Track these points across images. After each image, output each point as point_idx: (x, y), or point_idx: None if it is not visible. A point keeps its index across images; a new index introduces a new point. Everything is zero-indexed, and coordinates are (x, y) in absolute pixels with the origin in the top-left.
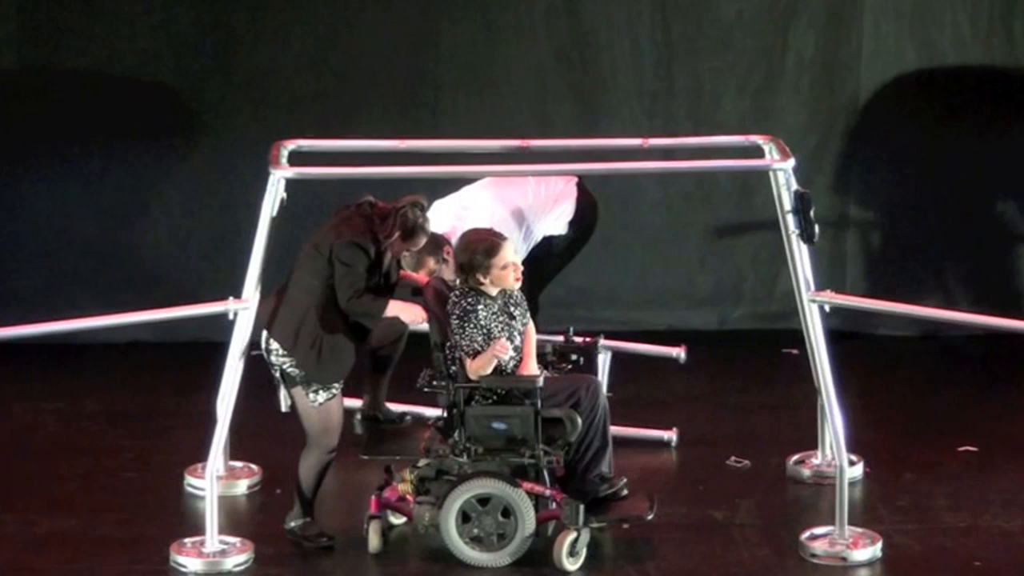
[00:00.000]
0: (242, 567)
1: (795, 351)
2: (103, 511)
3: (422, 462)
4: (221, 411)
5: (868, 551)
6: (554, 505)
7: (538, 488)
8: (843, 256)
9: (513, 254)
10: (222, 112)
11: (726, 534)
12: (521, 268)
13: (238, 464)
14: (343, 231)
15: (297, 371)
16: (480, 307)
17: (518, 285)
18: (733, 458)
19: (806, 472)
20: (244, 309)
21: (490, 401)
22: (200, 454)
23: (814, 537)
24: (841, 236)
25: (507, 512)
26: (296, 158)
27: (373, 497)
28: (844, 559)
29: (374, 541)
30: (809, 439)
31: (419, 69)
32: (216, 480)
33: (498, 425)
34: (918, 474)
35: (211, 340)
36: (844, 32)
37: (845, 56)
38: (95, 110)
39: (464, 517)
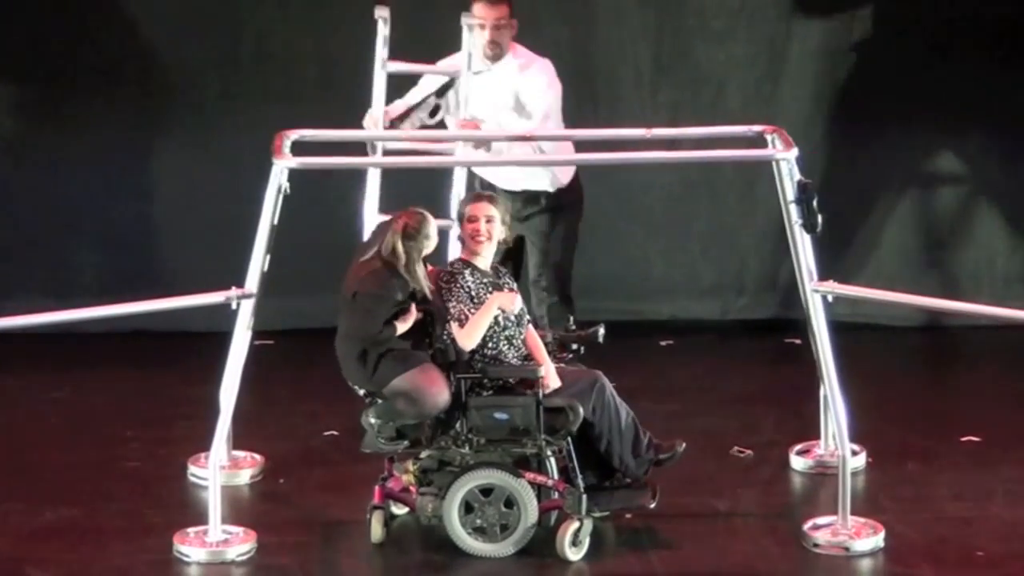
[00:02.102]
0: (245, 556)
1: (798, 341)
2: (106, 500)
3: (424, 453)
4: (224, 401)
5: (870, 541)
6: (556, 495)
7: (540, 478)
8: (846, 246)
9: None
10: (225, 101)
11: (728, 524)
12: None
13: (241, 454)
14: (365, 280)
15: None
16: (467, 272)
17: (485, 244)
18: (736, 448)
19: (809, 462)
20: (246, 298)
21: (491, 391)
22: (203, 444)
23: (816, 527)
24: (844, 226)
25: (510, 502)
26: (299, 148)
27: (376, 487)
28: (846, 549)
29: (377, 531)
30: (812, 429)
31: (420, 60)
32: (219, 469)
33: (500, 415)
34: (920, 464)
35: (214, 330)
36: (848, 21)
37: (849, 46)
38: (97, 100)
39: (467, 508)
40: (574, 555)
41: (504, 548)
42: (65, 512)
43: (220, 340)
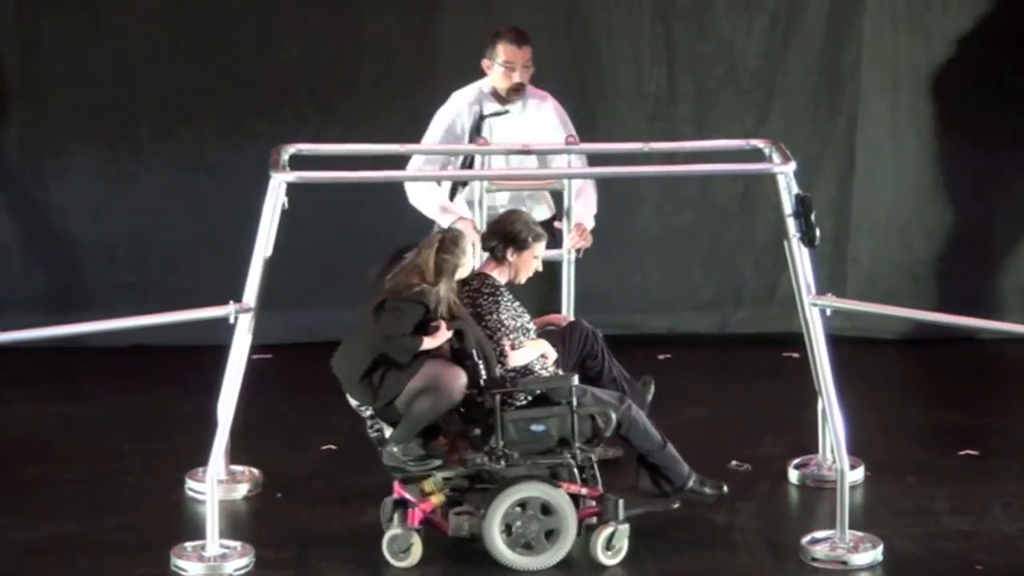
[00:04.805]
0: (242, 571)
1: (796, 354)
2: (104, 515)
3: (445, 473)
4: (222, 415)
5: (869, 555)
6: (591, 503)
7: (575, 488)
8: (844, 260)
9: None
10: (222, 115)
11: (727, 538)
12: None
13: (239, 468)
14: (398, 287)
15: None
16: (507, 293)
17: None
18: (734, 462)
19: (807, 476)
20: (245, 313)
21: (523, 404)
22: (201, 458)
23: (815, 541)
24: (842, 239)
25: (547, 510)
26: (297, 162)
27: (411, 510)
28: (845, 563)
29: (418, 552)
30: (810, 443)
31: (420, 72)
32: (217, 484)
33: (536, 427)
34: (919, 478)
35: (212, 344)
36: (845, 36)
37: (846, 60)
38: (92, 113)
39: (508, 528)
40: (608, 560)
41: (548, 559)
42: (62, 526)
43: (218, 354)
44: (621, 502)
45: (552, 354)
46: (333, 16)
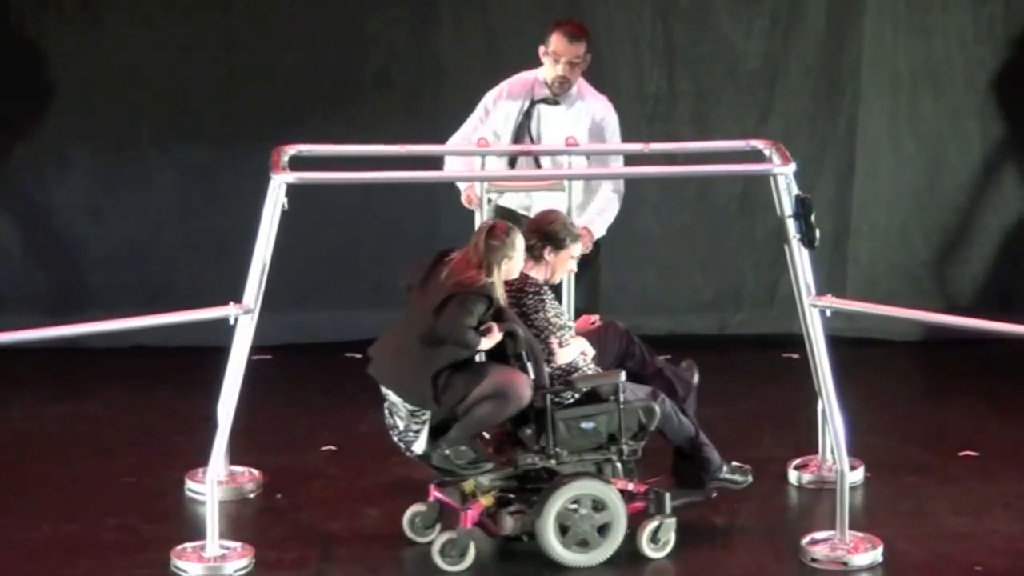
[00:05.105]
0: (242, 572)
1: (796, 356)
2: (104, 515)
3: (490, 476)
4: (222, 416)
5: (869, 556)
6: (637, 497)
7: (621, 483)
8: (844, 260)
9: None
10: (222, 116)
11: (727, 539)
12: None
13: (239, 469)
14: (461, 283)
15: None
16: (546, 287)
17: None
18: (734, 463)
19: (807, 477)
20: (245, 314)
21: (570, 403)
22: (201, 458)
23: (815, 542)
24: (842, 240)
25: (599, 506)
26: (297, 163)
27: (463, 514)
28: (845, 564)
29: (472, 554)
30: (810, 444)
31: (420, 73)
32: (217, 484)
33: (587, 425)
34: (919, 478)
35: (212, 345)
36: (845, 37)
37: (846, 61)
38: (94, 114)
39: (562, 526)
40: (654, 553)
41: (601, 555)
42: (63, 527)
43: (218, 355)
44: (667, 495)
45: (590, 350)
46: (334, 19)
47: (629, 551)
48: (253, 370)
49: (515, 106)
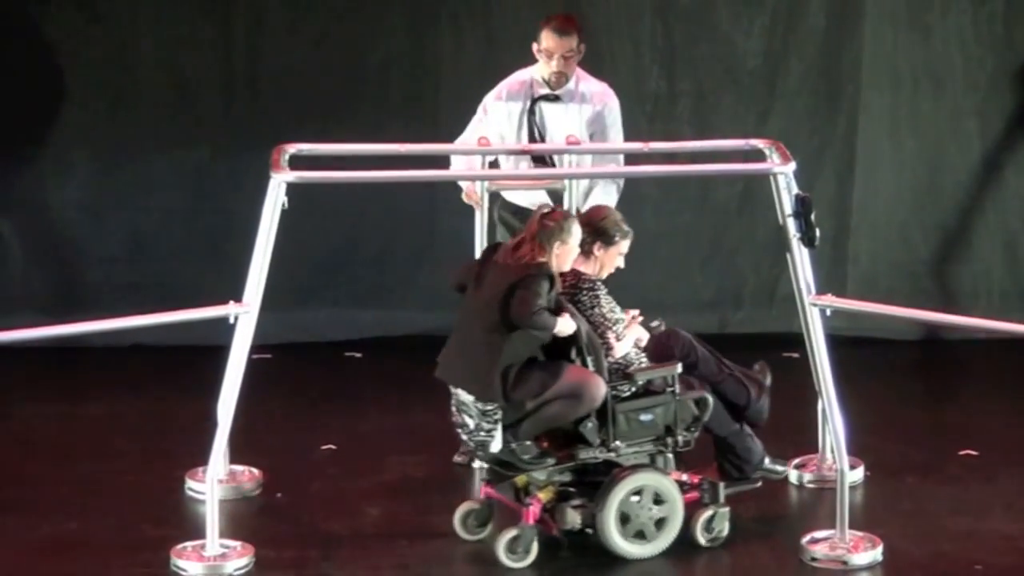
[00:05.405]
0: (242, 571)
1: (796, 355)
2: (103, 514)
3: (547, 471)
4: (222, 415)
5: (869, 555)
6: (690, 488)
7: (676, 474)
8: (844, 259)
9: None
10: (222, 116)
11: (727, 538)
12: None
13: (239, 468)
14: (525, 267)
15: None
16: (600, 282)
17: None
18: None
19: (807, 476)
20: (245, 313)
21: (628, 396)
22: (201, 458)
23: (815, 541)
24: (842, 239)
25: (658, 497)
26: (297, 162)
27: (525, 510)
28: (845, 563)
29: (534, 552)
30: (810, 443)
31: (420, 73)
32: (217, 483)
33: (645, 417)
34: (919, 478)
35: (212, 344)
36: (845, 37)
37: (846, 60)
38: (94, 114)
39: (623, 516)
40: (708, 542)
41: (659, 546)
42: (62, 526)
43: (218, 354)
44: (721, 485)
45: (644, 336)
46: (334, 19)
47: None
48: (253, 369)
49: (516, 107)
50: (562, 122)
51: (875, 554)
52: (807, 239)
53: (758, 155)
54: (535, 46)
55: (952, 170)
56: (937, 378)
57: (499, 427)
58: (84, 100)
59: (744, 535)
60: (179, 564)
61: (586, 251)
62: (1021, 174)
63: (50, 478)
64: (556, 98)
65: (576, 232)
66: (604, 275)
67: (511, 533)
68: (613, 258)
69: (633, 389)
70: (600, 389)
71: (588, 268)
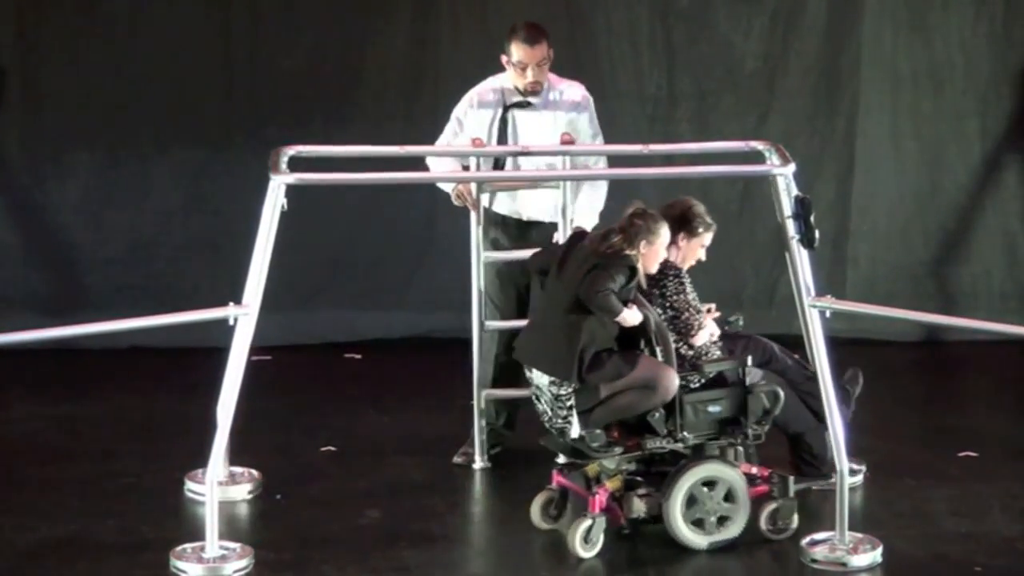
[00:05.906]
0: (242, 573)
1: (795, 356)
2: (103, 516)
3: (616, 460)
4: (222, 416)
5: (868, 556)
6: (759, 481)
7: (746, 467)
8: (843, 261)
9: None
10: (222, 117)
11: (728, 540)
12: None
13: (239, 470)
14: (602, 251)
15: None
16: (685, 271)
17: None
18: None
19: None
20: (244, 315)
21: (696, 386)
22: (200, 460)
23: (814, 543)
24: (841, 241)
25: (724, 489)
26: (296, 163)
27: (591, 498)
28: (844, 565)
29: (598, 543)
30: None
31: (419, 74)
32: (216, 485)
33: (714, 408)
34: (918, 479)
35: (212, 346)
36: (845, 37)
37: (846, 61)
38: (93, 114)
39: (690, 501)
40: (773, 534)
41: (723, 537)
42: (62, 528)
43: (218, 356)
44: (791, 480)
45: (716, 330)
46: (334, 20)
47: (631, 552)
48: (253, 370)
49: (487, 114)
50: (536, 129)
51: (875, 556)
52: (807, 240)
53: (758, 156)
54: (504, 58)
55: (952, 171)
56: (937, 380)
57: (574, 412)
58: (84, 100)
59: (743, 537)
60: (179, 566)
61: (671, 241)
62: (1021, 175)
63: (50, 479)
64: (529, 105)
65: (664, 235)
66: (686, 266)
67: (585, 523)
68: (695, 249)
69: (702, 380)
70: (674, 381)
71: (671, 258)
